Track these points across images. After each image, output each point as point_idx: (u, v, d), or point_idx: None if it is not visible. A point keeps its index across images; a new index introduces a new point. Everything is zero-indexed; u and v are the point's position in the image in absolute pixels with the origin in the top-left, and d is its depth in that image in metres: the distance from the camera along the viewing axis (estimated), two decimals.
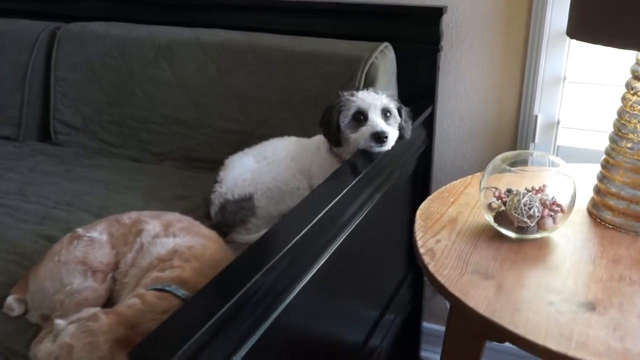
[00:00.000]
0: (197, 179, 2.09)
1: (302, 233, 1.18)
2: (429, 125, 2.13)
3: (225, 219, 1.77)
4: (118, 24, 2.36)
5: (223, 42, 2.13)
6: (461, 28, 2.06)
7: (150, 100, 2.22)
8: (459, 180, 1.72)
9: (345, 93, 1.70)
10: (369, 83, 1.93)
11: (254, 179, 1.79)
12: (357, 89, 1.90)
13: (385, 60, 1.96)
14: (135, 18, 2.38)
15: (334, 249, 1.36)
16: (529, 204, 1.36)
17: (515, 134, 2.10)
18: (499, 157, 1.45)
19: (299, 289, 1.20)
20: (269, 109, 2.06)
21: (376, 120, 1.64)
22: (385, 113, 1.67)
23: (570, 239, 1.42)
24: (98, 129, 2.32)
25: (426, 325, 2.46)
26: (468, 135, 2.17)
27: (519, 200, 1.37)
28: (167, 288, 1.19)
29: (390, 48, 2.02)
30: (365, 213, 1.59)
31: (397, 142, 1.70)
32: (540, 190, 1.41)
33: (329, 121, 1.70)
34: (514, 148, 2.11)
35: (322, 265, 1.29)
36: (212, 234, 1.44)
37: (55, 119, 2.38)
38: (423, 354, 2.50)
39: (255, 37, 2.12)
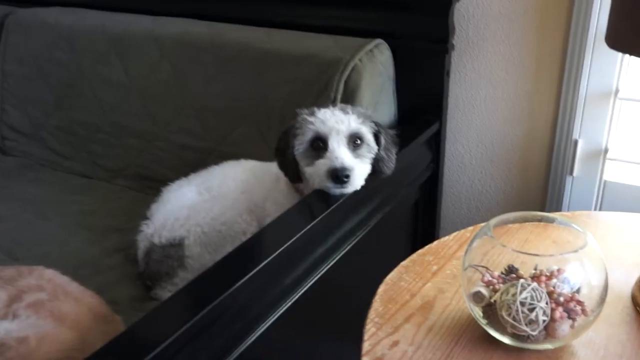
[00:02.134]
0: (145, 203, 1.70)
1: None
2: (435, 145, 1.66)
3: (150, 269, 1.38)
4: (74, 9, 1.98)
5: (181, 35, 1.72)
6: (480, 21, 1.57)
7: (100, 104, 1.85)
8: (452, 236, 1.25)
9: (303, 111, 1.27)
10: (350, 93, 1.47)
11: (189, 218, 1.39)
12: (333, 102, 1.47)
13: (373, 63, 1.50)
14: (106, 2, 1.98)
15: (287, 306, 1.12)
16: (530, 304, 0.89)
17: (548, 163, 1.60)
18: (494, 220, 0.99)
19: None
20: (230, 121, 1.64)
21: (337, 152, 1.20)
22: (355, 140, 1.23)
23: (597, 350, 0.94)
24: (46, 136, 1.97)
25: None
26: (488, 160, 1.69)
27: (514, 296, 0.90)
28: None
29: (384, 47, 1.55)
30: (337, 257, 1.26)
31: (373, 178, 1.26)
32: (553, 276, 0.93)
33: (284, 149, 1.28)
34: (546, 179, 1.61)
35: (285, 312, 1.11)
36: (76, 313, 1.05)
37: (2, 122, 2.05)
38: None
39: (220, 29, 1.70)
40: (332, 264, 1.25)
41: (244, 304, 1.03)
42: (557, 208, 1.58)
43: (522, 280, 0.91)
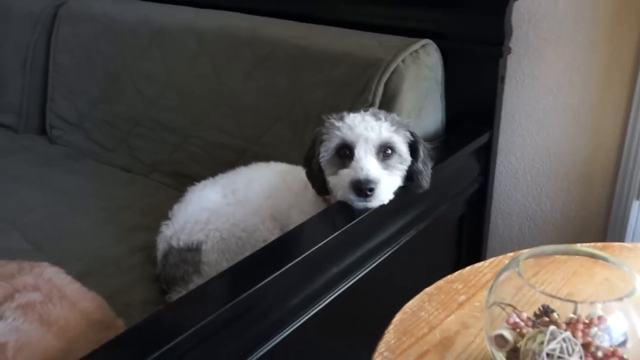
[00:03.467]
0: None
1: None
2: (485, 156, 1.51)
3: (165, 273, 1.32)
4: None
5: (221, 29, 1.65)
6: (542, 22, 1.42)
7: (141, 98, 1.81)
8: (488, 261, 1.11)
9: (332, 116, 1.17)
10: (390, 97, 1.36)
11: (209, 221, 1.32)
12: (371, 106, 1.36)
13: (418, 65, 1.38)
14: None
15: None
16: (559, 357, 0.75)
17: (613, 184, 1.42)
18: (526, 253, 0.85)
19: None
20: (265, 121, 1.56)
21: (363, 161, 1.09)
22: (385, 150, 1.12)
23: None
24: (91, 127, 1.96)
25: None
26: (544, 177, 1.53)
27: (541, 345, 0.76)
28: None
29: (432, 48, 1.43)
30: (359, 275, 1.17)
31: (407, 192, 1.15)
32: (592, 324, 0.79)
33: (311, 158, 1.19)
34: (609, 202, 1.44)
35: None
36: (66, 318, 0.98)
37: (51, 111, 2.06)
38: None
39: (260, 24, 1.62)
40: (352, 282, 1.15)
41: (252, 316, 0.97)
42: (620, 236, 1.41)
43: (552, 327, 0.77)
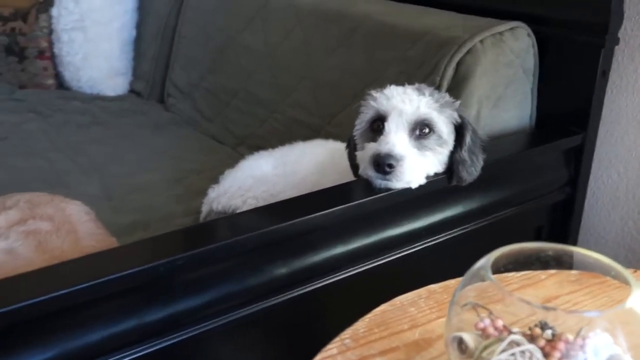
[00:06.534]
0: None
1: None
2: (575, 164, 1.30)
3: None
4: None
5: (315, 4, 1.62)
6: None
7: (240, 70, 1.83)
8: (521, 273, 0.94)
9: (375, 90, 1.07)
10: (460, 80, 1.22)
11: (250, 189, 1.28)
12: (438, 88, 1.23)
13: (500, 48, 1.22)
14: None
15: None
16: None
17: None
18: (504, 249, 0.71)
19: None
20: (342, 100, 1.49)
21: (391, 136, 0.99)
22: (422, 128, 1.00)
23: None
24: (198, 97, 2.03)
25: None
26: None
27: (491, 354, 0.62)
28: None
29: (522, 32, 1.26)
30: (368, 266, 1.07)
31: (443, 181, 1.03)
32: (576, 342, 0.62)
33: (350, 137, 1.12)
34: None
35: None
36: (63, 250, 1.00)
37: (169, 80, 2.17)
38: None
39: (353, 0, 1.55)
40: (371, 266, 1.05)
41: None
42: None
43: (513, 337, 0.63)
